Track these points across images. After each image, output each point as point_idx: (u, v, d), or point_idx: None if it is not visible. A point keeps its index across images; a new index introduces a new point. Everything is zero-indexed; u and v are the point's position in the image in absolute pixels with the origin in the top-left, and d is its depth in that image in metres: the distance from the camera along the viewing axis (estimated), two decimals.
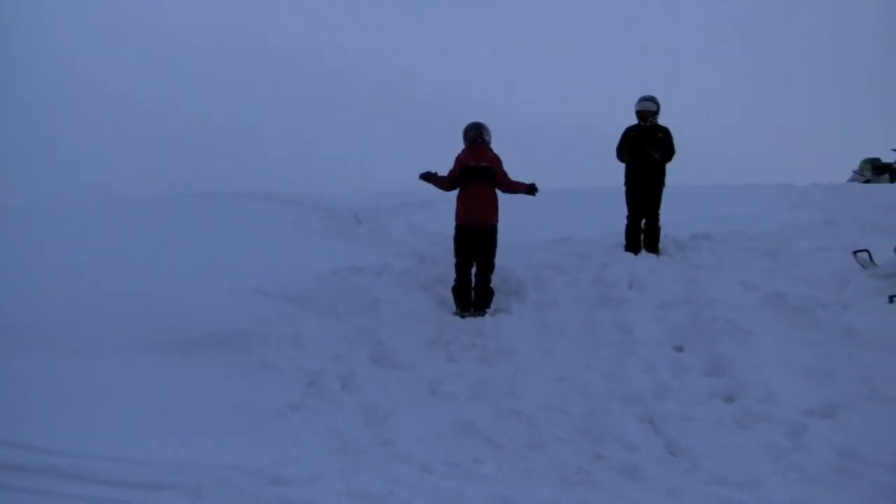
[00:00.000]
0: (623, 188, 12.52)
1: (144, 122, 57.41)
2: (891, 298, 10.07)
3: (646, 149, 12.15)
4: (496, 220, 11.12)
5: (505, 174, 11.21)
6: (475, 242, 10.99)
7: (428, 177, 11.38)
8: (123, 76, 65.20)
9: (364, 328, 10.23)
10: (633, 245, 12.30)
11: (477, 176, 11.07)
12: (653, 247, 12.29)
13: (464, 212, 11.07)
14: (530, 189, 11.37)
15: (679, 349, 9.64)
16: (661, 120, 12.34)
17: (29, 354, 9.24)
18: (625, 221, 12.44)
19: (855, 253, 11.30)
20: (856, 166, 23.07)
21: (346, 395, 8.98)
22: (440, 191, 11.44)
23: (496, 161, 11.23)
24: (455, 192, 11.20)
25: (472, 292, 10.97)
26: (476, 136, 11.33)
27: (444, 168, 11.29)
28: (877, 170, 22.42)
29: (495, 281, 11.09)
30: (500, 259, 11.20)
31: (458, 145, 11.35)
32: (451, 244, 11.22)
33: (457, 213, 11.15)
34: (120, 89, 62.64)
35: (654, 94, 12.39)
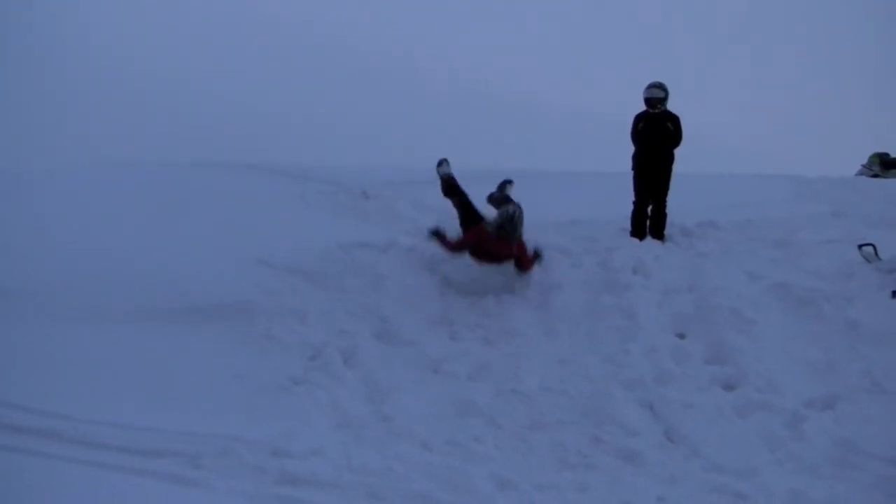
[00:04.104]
0: (631, 174, 12.52)
1: (152, 91, 57.20)
2: (894, 294, 10.08)
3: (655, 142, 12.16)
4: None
5: (529, 262, 10.76)
6: None
7: (437, 235, 10.80)
8: (133, 45, 64.90)
9: (369, 304, 10.22)
10: (638, 231, 12.30)
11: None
12: (658, 233, 12.28)
13: (477, 259, 10.68)
14: (537, 256, 10.90)
15: (682, 336, 9.67)
16: (672, 106, 12.29)
17: (33, 319, 9.26)
18: (632, 207, 12.45)
19: (860, 247, 11.29)
20: (864, 160, 23.01)
21: (348, 370, 8.99)
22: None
23: (522, 248, 10.68)
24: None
25: None
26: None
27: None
28: (885, 165, 22.33)
29: None
30: None
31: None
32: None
33: (470, 247, 10.76)
34: (128, 57, 62.37)
35: (663, 81, 12.33)
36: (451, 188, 11.57)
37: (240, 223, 12.57)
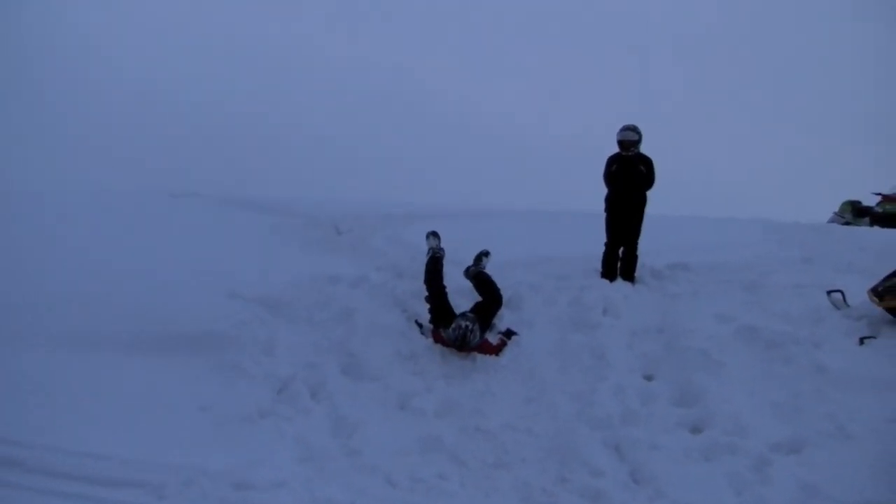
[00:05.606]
0: (603, 215, 12.54)
1: (129, 119, 57.22)
2: (861, 340, 10.13)
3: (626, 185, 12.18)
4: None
5: (496, 349, 10.40)
6: None
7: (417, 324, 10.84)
8: (114, 75, 64.92)
9: (337, 338, 10.20)
10: (609, 272, 12.32)
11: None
12: (629, 275, 12.30)
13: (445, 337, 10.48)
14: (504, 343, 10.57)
15: (650, 377, 9.67)
16: (645, 149, 12.34)
17: None
18: (603, 248, 12.46)
19: (829, 293, 11.34)
20: (837, 208, 23.23)
21: (315, 403, 8.98)
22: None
23: (484, 346, 10.41)
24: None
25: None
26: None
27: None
28: (857, 212, 22.58)
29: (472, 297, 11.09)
30: None
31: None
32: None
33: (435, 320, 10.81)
34: (110, 87, 62.39)
35: (637, 124, 12.37)
36: (432, 275, 11.35)
37: (211, 255, 12.55)
